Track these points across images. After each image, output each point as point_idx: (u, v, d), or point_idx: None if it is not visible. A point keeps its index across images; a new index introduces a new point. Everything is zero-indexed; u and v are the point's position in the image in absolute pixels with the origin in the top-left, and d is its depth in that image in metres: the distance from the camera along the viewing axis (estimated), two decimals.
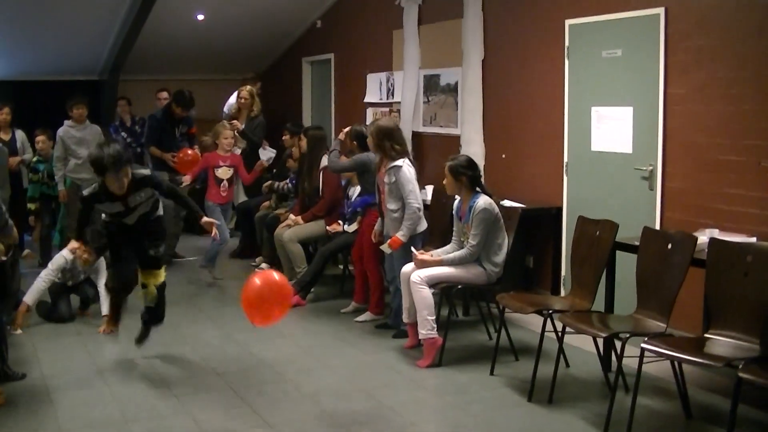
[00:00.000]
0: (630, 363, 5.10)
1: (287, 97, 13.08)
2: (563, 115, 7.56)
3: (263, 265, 9.36)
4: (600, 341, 5.75)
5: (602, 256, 5.82)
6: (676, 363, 5.10)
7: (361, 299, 7.74)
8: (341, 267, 8.94)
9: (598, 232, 5.89)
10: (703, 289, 5.19)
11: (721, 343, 4.81)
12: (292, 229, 8.45)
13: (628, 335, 5.00)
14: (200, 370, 6.21)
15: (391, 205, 6.80)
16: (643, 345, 4.77)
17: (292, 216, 8.63)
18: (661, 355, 4.73)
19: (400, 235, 6.69)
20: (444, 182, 6.39)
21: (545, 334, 5.68)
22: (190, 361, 6.42)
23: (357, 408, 5.44)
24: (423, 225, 6.89)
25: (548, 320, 5.63)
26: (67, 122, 9.54)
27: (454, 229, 6.56)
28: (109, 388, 5.81)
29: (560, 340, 5.57)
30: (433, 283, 6.24)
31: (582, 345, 6.16)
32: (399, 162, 6.73)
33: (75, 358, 6.47)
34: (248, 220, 10.10)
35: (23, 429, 5.11)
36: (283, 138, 9.82)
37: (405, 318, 6.57)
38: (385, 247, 6.84)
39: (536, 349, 5.70)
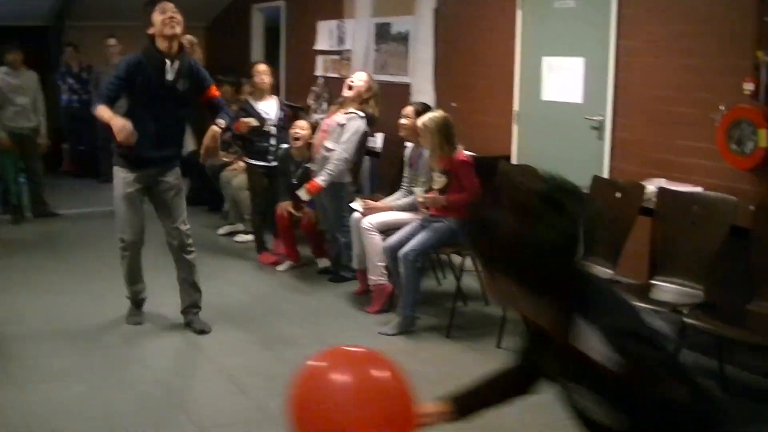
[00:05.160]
0: None
1: (236, 46, 12.92)
2: (513, 65, 7.58)
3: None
4: None
5: None
6: None
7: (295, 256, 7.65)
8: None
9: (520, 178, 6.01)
10: (649, 237, 5.29)
11: (667, 289, 4.94)
12: (242, 176, 8.39)
13: None
14: (153, 318, 6.20)
15: (330, 145, 6.78)
16: None
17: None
18: None
19: (320, 180, 6.69)
20: (406, 124, 6.41)
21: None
22: (146, 311, 6.36)
23: (310, 354, 5.42)
24: (347, 178, 6.94)
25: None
26: (1, 69, 9.31)
27: (404, 176, 6.58)
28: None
29: None
30: (384, 229, 6.28)
31: None
32: (361, 113, 6.75)
33: None
34: (197, 168, 10.00)
35: None
36: (222, 90, 9.69)
37: (355, 264, 6.62)
38: (302, 192, 6.80)
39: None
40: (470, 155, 6.73)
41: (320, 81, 10.36)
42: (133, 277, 5.97)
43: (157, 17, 5.36)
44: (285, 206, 7.26)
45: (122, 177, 5.70)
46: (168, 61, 5.47)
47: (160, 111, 5.52)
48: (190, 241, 5.89)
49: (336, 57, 10.26)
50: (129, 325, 5.96)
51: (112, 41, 11.15)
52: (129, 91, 5.47)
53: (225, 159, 9.08)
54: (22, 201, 9.44)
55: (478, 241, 2.13)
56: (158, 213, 5.91)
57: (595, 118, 6.68)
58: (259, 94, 7.90)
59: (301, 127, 7.53)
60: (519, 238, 1.99)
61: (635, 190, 5.33)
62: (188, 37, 10.25)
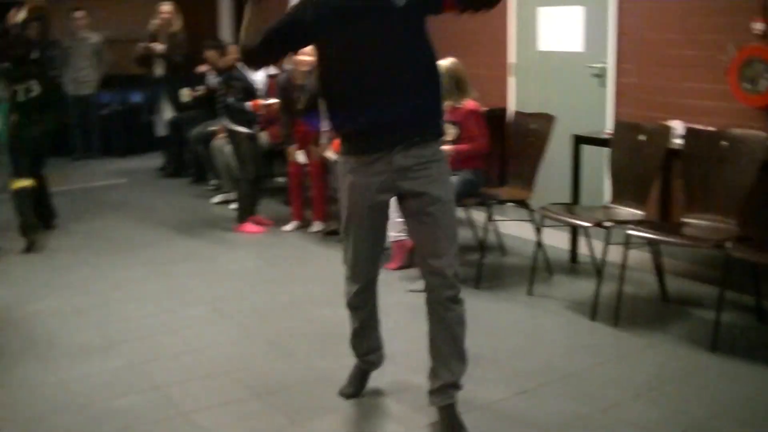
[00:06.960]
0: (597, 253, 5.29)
1: (201, 12, 12.68)
2: (506, 17, 7.59)
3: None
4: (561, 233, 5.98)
5: (539, 148, 6.07)
6: (651, 250, 5.31)
7: (301, 216, 7.69)
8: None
9: (533, 126, 6.17)
10: (663, 176, 5.42)
11: (700, 226, 5.03)
12: None
13: (611, 224, 5.18)
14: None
15: None
16: (629, 231, 4.95)
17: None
18: (647, 239, 4.94)
19: None
20: None
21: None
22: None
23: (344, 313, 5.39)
24: None
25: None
26: None
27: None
28: None
29: (538, 233, 5.74)
30: None
31: (524, 235, 6.35)
32: None
33: None
34: (178, 135, 9.93)
35: None
36: (206, 54, 9.46)
37: None
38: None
39: (509, 245, 5.85)
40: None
41: None
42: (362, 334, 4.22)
43: None
44: (319, 150, 7.27)
45: (345, 168, 3.72)
46: None
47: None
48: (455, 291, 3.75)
49: None
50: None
51: (80, 14, 10.94)
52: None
53: (211, 128, 8.94)
54: None
55: None
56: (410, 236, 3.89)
57: (596, 65, 6.75)
58: None
59: (307, 54, 7.55)
60: None
61: (661, 132, 5.41)
62: (169, 2, 10.07)
